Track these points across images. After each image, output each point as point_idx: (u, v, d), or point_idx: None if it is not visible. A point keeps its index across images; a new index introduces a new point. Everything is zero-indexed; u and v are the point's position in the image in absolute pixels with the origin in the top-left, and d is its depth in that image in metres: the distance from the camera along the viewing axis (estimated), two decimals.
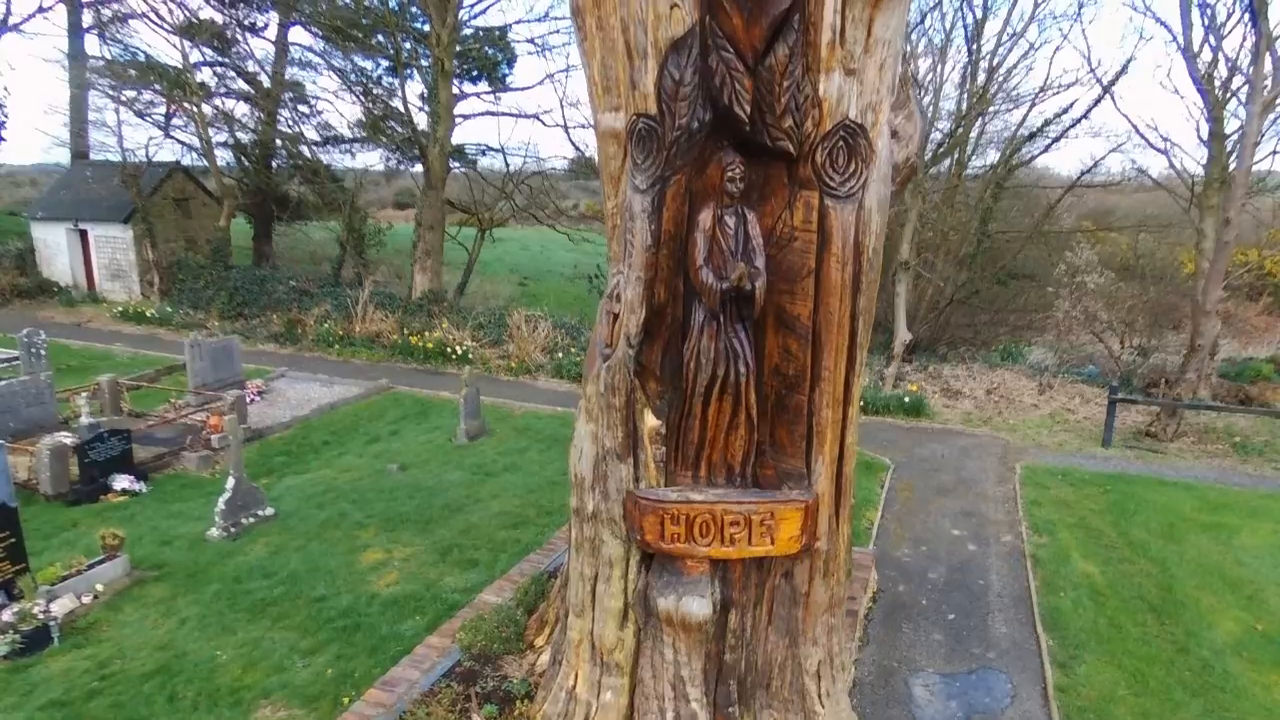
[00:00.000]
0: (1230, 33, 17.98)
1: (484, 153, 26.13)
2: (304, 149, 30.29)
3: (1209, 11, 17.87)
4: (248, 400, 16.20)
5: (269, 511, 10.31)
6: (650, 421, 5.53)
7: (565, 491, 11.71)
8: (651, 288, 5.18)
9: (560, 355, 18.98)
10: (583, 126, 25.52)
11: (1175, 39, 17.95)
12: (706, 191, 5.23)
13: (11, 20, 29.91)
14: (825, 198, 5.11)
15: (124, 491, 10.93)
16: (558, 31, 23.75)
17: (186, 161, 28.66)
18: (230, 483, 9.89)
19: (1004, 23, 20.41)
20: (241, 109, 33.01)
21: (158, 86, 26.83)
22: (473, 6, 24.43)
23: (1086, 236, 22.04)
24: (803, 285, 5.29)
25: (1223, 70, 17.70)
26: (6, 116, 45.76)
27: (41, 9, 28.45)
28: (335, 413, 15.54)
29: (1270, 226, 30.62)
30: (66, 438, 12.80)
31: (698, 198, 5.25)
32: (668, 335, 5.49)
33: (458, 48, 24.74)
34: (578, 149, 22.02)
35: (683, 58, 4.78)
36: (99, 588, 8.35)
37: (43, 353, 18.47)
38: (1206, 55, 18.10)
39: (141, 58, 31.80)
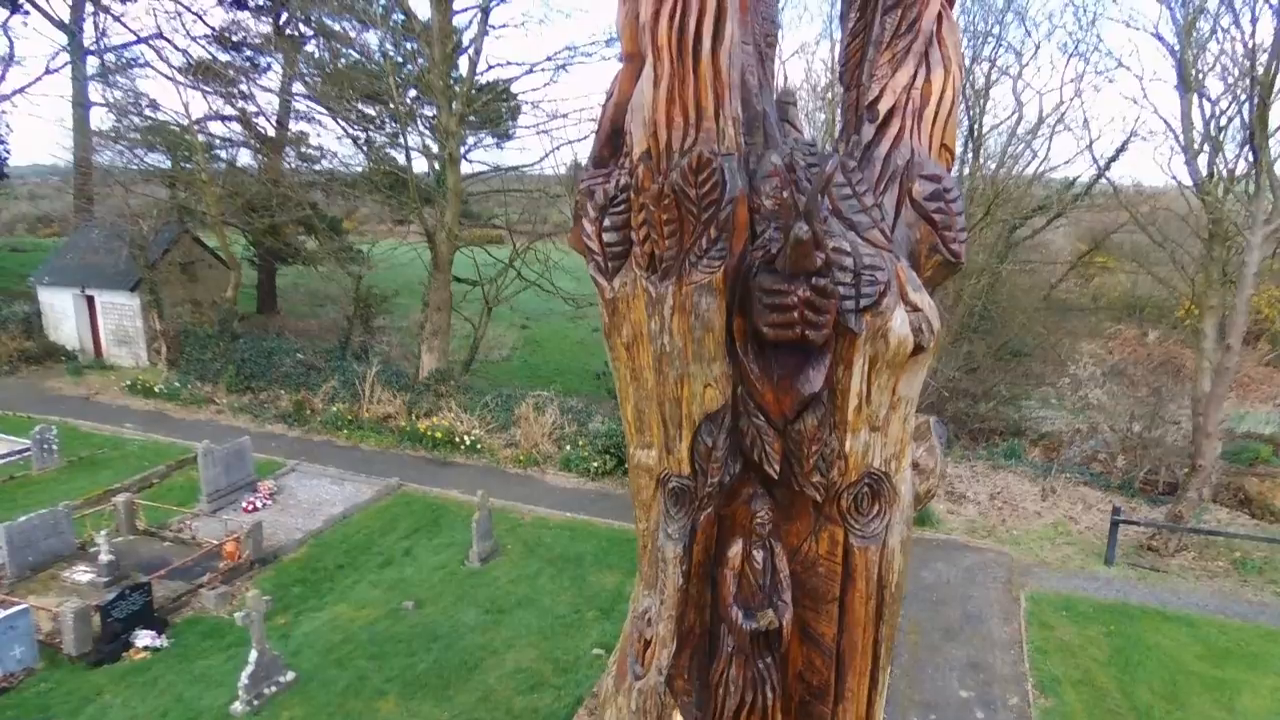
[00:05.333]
0: (1229, 124, 18.16)
1: (479, 225, 26.27)
2: (307, 196, 30.44)
3: (1210, 108, 18.14)
4: (259, 505, 16.45)
5: (289, 676, 10.49)
6: None
7: (577, 636, 11.98)
8: (683, 620, 5.38)
9: (568, 447, 19.15)
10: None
11: (1176, 137, 18.17)
12: (734, 521, 5.43)
13: (20, 78, 30.04)
14: (850, 536, 5.31)
15: (146, 648, 11.09)
16: (561, 114, 23.87)
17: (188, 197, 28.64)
18: (253, 655, 10.07)
19: (1009, 135, 20.61)
20: (245, 156, 33.30)
21: (163, 152, 26.97)
22: (479, 81, 24.51)
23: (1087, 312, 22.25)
24: (827, 608, 5.49)
25: (1222, 170, 17.94)
26: (8, 153, 45.94)
27: (49, 70, 28.65)
28: (348, 524, 15.70)
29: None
30: (84, 575, 13.02)
31: (725, 524, 5.46)
32: (695, 640, 5.70)
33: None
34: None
35: (715, 426, 5.00)
36: None
37: (54, 447, 18.73)
38: (1208, 148, 18.37)
39: (145, 102, 32.03)
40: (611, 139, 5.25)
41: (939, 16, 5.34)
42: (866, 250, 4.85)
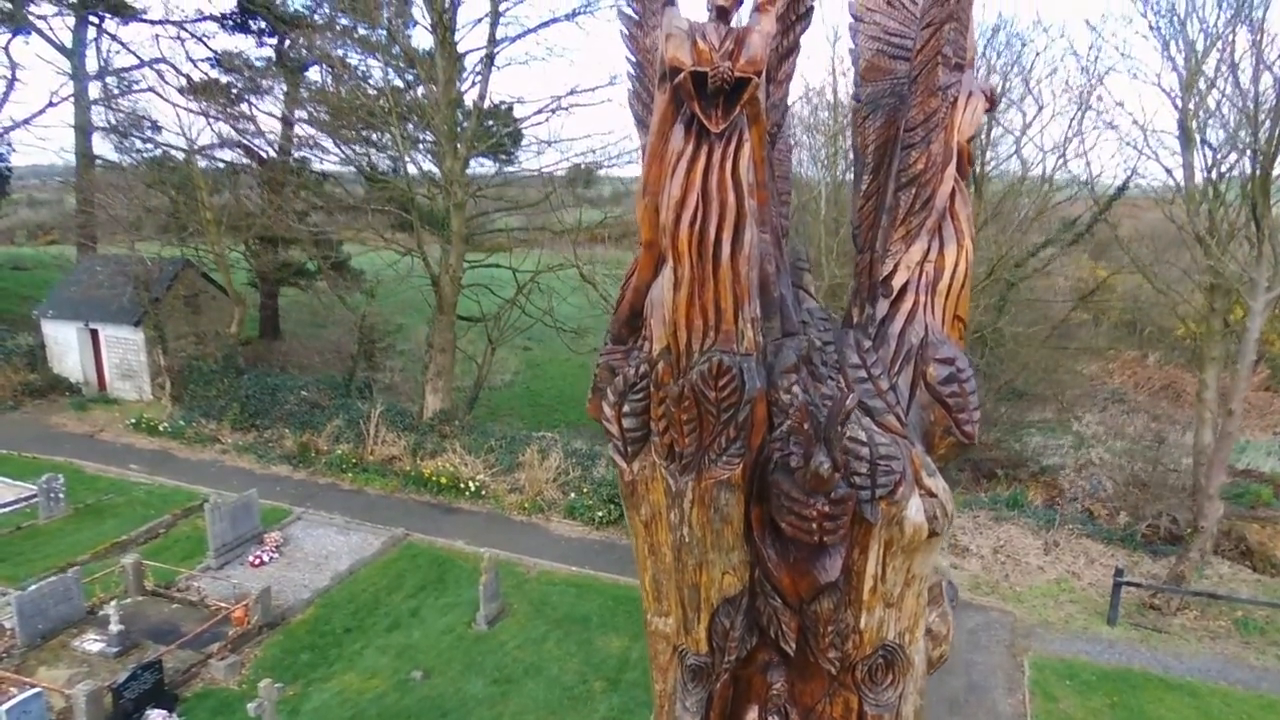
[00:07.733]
0: (1229, 171, 18.19)
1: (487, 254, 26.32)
2: (309, 223, 30.49)
3: (1211, 155, 18.20)
4: (266, 558, 16.55)
5: None
6: None
7: (584, 710, 12.07)
8: None
9: (573, 494, 19.24)
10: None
11: (1179, 187, 18.24)
12: (750, 687, 5.52)
13: (23, 108, 30.11)
14: (865, 704, 5.40)
15: None
16: (563, 156, 23.94)
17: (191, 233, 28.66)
18: None
19: (1023, 173, 20.66)
20: (246, 181, 33.34)
21: (166, 188, 27.05)
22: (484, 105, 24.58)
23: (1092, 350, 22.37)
24: None
25: (1223, 224, 18.01)
26: (10, 170, 45.91)
27: (51, 103, 28.68)
28: (355, 580, 15.77)
29: None
30: (94, 644, 13.09)
31: (740, 688, 5.55)
32: None
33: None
34: (587, 280, 22.18)
35: (733, 608, 5.09)
36: None
37: (61, 496, 18.79)
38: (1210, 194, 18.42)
39: (146, 125, 32.05)
40: (630, 320, 5.33)
41: (952, 192, 5.43)
42: (882, 439, 4.92)
